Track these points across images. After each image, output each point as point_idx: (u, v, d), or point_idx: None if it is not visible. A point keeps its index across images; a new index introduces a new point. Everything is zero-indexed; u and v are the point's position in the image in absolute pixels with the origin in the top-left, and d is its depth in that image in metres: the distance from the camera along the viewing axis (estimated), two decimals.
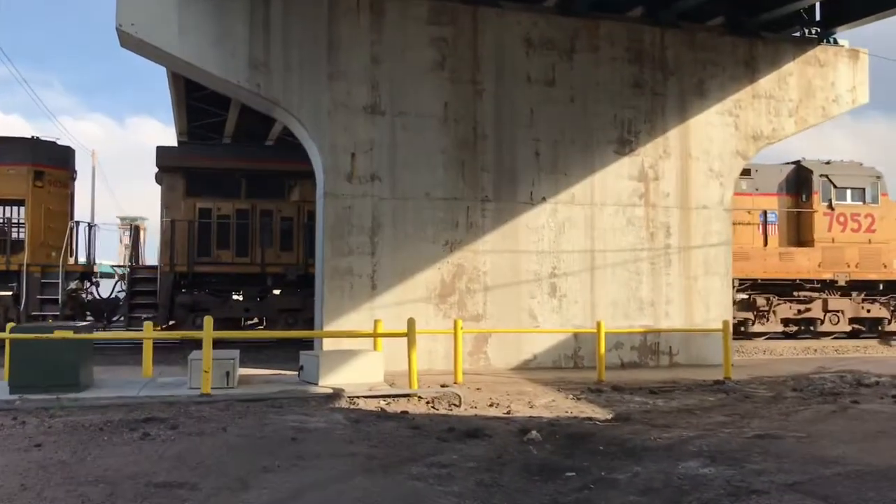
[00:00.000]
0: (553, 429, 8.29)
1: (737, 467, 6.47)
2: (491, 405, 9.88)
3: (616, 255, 14.52)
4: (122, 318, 18.14)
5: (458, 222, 13.67)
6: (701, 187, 15.12)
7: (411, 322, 10.28)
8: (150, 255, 24.75)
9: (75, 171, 18.50)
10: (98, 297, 18.85)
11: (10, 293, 16.62)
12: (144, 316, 16.93)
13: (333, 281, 13.07)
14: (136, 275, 17.89)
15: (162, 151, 19.21)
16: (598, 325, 12.60)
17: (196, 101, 22.99)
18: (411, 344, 10.18)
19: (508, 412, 9.38)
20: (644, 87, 14.81)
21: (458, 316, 13.25)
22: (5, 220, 17.12)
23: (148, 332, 11.13)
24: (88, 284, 18.79)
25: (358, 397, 9.59)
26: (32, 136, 17.67)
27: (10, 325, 10.58)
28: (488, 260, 13.80)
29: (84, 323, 10.96)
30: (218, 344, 10.25)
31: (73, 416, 8.21)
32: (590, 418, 9.15)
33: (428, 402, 9.69)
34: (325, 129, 13.09)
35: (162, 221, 17.78)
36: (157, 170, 18.63)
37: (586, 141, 14.41)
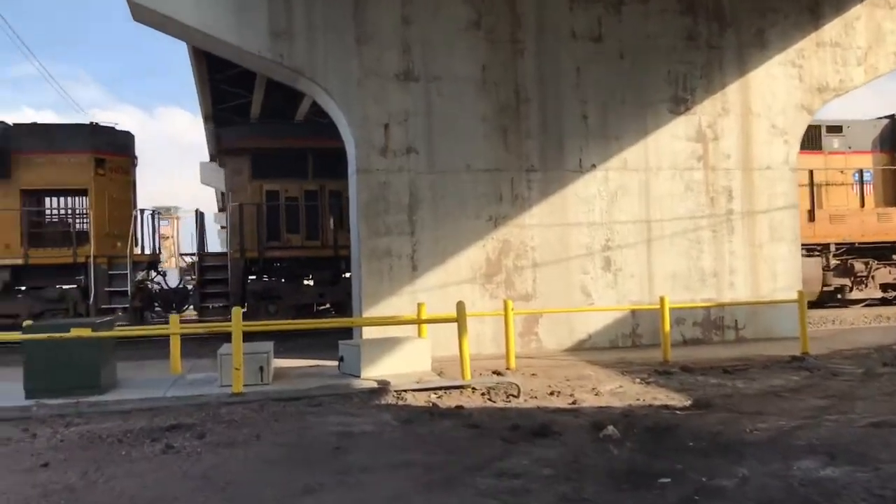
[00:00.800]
0: (629, 421, 7.28)
1: (868, 468, 5.39)
2: (552, 394, 8.89)
3: (674, 224, 13.36)
4: (191, 308, 17.51)
5: (503, 195, 12.62)
6: (764, 146, 13.85)
7: (461, 306, 9.26)
8: (185, 245, 24.21)
9: (136, 157, 17.75)
10: (166, 286, 18.23)
11: (77, 286, 15.96)
12: (213, 305, 16.25)
13: (371, 263, 12.14)
14: (205, 262, 17.19)
15: (225, 133, 18.48)
16: (662, 300, 11.49)
17: (220, 83, 22.20)
18: (462, 330, 9.17)
19: (574, 402, 8.38)
20: (698, 40, 13.54)
21: (505, 296, 12.29)
22: (69, 211, 16.42)
23: (174, 327, 10.28)
24: (155, 274, 18.17)
25: (405, 391, 8.61)
26: (91, 122, 16.95)
27: (26, 323, 9.80)
28: (536, 234, 12.74)
29: (104, 318, 10.14)
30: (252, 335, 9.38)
31: (92, 423, 7.36)
32: (666, 406, 8.12)
33: (483, 394, 8.70)
34: (355, 98, 12.09)
35: (228, 206, 17.07)
36: (220, 153, 17.87)
37: (638, 100, 13.22)
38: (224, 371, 9.05)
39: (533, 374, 10.29)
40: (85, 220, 16.34)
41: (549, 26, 12.86)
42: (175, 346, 10.32)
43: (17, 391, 8.65)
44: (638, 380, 9.73)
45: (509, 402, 8.45)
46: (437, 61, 12.35)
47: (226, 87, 22.73)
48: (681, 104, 13.44)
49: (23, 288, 16.28)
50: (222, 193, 40.21)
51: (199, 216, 18.65)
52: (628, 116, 13.18)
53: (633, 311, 13.00)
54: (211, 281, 16.87)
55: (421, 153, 12.32)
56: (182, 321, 17.91)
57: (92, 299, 15.63)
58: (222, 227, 51.57)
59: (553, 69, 12.84)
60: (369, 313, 12.04)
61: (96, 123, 17.01)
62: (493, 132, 12.59)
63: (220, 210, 46.03)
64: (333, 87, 12.06)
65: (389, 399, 8.39)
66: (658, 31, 13.36)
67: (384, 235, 12.21)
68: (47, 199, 16.87)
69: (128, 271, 15.90)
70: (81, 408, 7.95)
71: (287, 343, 13.87)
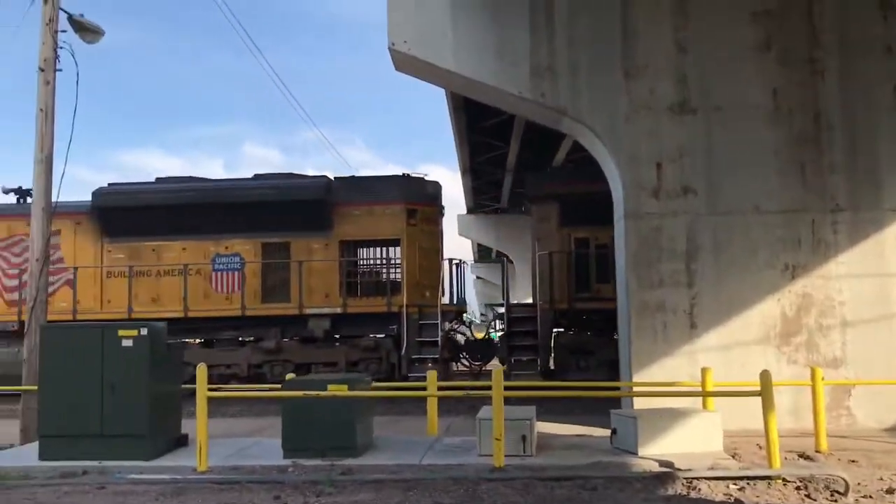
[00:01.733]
0: None
1: None
2: (890, 492, 6.90)
3: None
4: (494, 360, 17.24)
5: (801, 240, 10.68)
6: None
7: (766, 376, 7.53)
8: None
9: (443, 207, 18.05)
10: (472, 337, 18.18)
11: (388, 336, 16.22)
12: (515, 358, 15.77)
13: (642, 319, 10.76)
14: (513, 313, 16.79)
15: (533, 179, 18.30)
16: None
17: (477, 135, 22.23)
18: (768, 405, 7.42)
19: None
20: None
21: (806, 360, 10.34)
22: (384, 261, 16.93)
23: (432, 388, 9.62)
24: (459, 324, 18.20)
25: (697, 478, 7.07)
26: (404, 174, 17.47)
27: (288, 376, 9.66)
28: (845, 287, 10.60)
29: (358, 374, 9.80)
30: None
31: (343, 494, 6.76)
32: None
33: (798, 488, 6.93)
34: (623, 136, 10.94)
35: (534, 255, 16.81)
36: (525, 200, 17.67)
37: None
38: (483, 438, 8.16)
39: (852, 461, 8.27)
40: (396, 270, 16.54)
41: (855, 41, 10.85)
42: (432, 408, 9.65)
43: (278, 448, 8.43)
44: None
45: (835, 501, 6.62)
46: (717, 89, 10.87)
47: (483, 139, 22.75)
48: None
49: (338, 336, 16.62)
50: (479, 245, 40.84)
51: (504, 265, 18.34)
52: None
53: None
54: (518, 333, 16.29)
55: (699, 193, 10.82)
56: (481, 372, 17.51)
57: (403, 349, 15.64)
58: (478, 278, 52.56)
59: (862, 90, 10.77)
60: (639, 376, 10.64)
61: (408, 174, 17.33)
62: (787, 167, 10.77)
63: (476, 261, 46.92)
64: (599, 125, 11.02)
65: (678, 488, 6.92)
66: None
67: (657, 287, 10.79)
68: (361, 250, 17.34)
69: (437, 321, 15.79)
70: (334, 474, 7.41)
71: (547, 402, 12.79)
